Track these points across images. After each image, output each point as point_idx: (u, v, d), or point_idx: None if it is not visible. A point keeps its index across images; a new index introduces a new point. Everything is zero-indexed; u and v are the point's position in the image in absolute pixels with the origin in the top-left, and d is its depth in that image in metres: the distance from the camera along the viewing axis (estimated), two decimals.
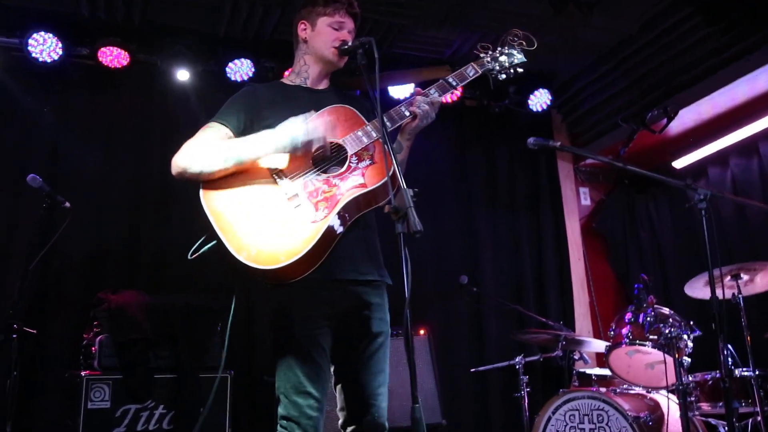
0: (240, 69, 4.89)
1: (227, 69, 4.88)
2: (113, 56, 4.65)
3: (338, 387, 2.40)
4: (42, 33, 4.48)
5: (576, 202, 6.29)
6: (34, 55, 4.49)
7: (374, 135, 2.38)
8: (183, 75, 4.84)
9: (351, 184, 2.31)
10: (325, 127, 2.31)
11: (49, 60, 4.52)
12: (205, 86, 4.90)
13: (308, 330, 2.27)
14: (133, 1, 4.50)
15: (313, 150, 2.31)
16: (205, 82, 4.92)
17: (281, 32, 4.80)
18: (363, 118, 2.46)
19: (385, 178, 2.26)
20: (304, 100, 2.44)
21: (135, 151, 4.83)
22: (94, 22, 4.65)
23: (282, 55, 4.78)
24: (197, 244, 2.24)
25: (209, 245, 2.22)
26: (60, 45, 4.52)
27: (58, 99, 4.73)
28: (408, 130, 2.49)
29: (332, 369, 2.39)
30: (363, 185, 2.31)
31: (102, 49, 4.63)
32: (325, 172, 2.34)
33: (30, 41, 4.46)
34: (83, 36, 4.67)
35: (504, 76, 2.67)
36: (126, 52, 4.68)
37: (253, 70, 4.89)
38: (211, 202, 2.25)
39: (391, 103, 2.53)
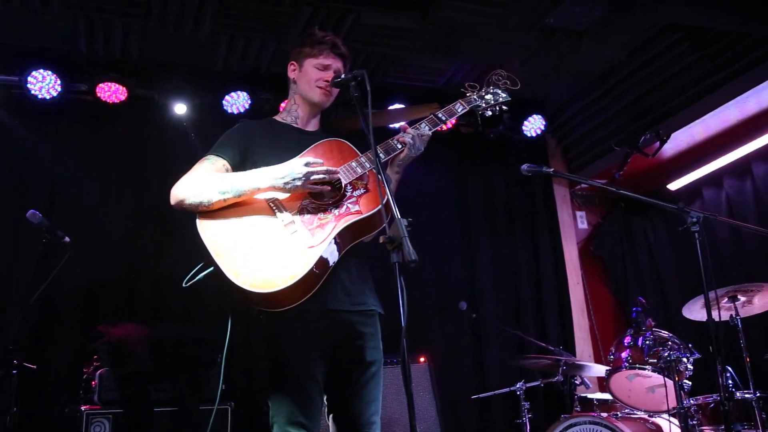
0: (236, 101, 4.95)
1: (224, 102, 4.95)
2: (111, 92, 4.72)
3: (331, 416, 2.41)
4: (41, 70, 4.55)
5: (573, 226, 6.31)
6: (33, 92, 4.55)
7: (368, 165, 2.44)
8: (180, 108, 4.90)
9: (346, 211, 2.36)
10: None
11: (48, 97, 4.58)
12: (203, 119, 4.96)
13: (301, 361, 2.29)
14: (130, 37, 4.57)
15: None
16: (202, 115, 4.97)
17: (277, 65, 4.86)
18: (356, 150, 2.52)
19: (380, 205, 2.30)
20: (293, 140, 2.51)
21: (133, 184, 4.86)
22: (92, 58, 4.72)
23: (278, 87, 4.84)
24: (193, 271, 2.27)
25: (205, 272, 2.25)
26: (59, 82, 4.59)
27: (57, 135, 4.79)
28: (397, 162, 2.55)
29: (325, 398, 2.40)
30: (358, 212, 2.36)
31: (100, 84, 4.70)
32: (320, 200, 2.39)
33: (29, 78, 4.53)
34: (81, 72, 4.75)
35: (489, 113, 2.77)
36: (124, 88, 4.75)
37: (249, 102, 4.95)
38: (207, 229, 2.30)
39: (389, 133, 2.60)
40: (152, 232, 4.78)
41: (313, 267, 2.22)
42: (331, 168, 2.38)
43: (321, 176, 2.35)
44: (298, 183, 2.33)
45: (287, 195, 2.38)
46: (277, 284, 2.18)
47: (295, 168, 2.34)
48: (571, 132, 6.03)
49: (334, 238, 2.30)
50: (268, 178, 2.34)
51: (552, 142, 6.24)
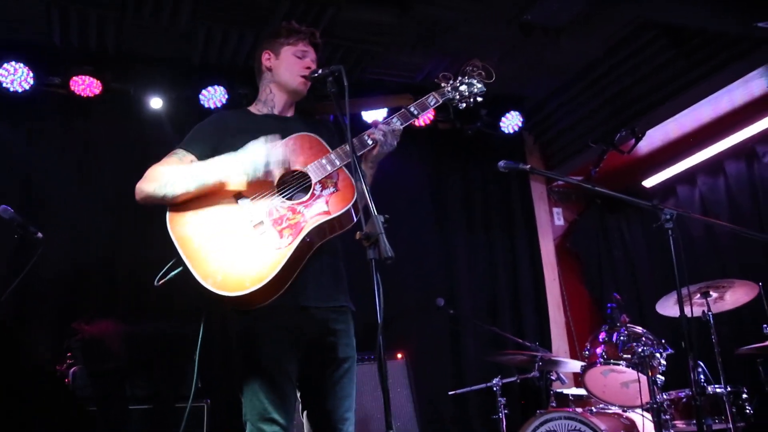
0: (213, 96, 4.91)
1: (201, 96, 4.90)
2: (85, 85, 4.65)
3: (305, 413, 2.41)
4: (13, 63, 4.47)
5: (550, 223, 6.36)
6: (5, 85, 4.48)
7: (338, 163, 2.41)
8: (156, 103, 4.84)
9: (315, 212, 2.33)
10: (285, 153, 2.33)
11: (20, 90, 4.51)
12: (179, 113, 4.89)
13: (273, 357, 2.28)
14: (106, 29, 4.51)
15: (275, 175, 2.33)
16: (179, 109, 4.91)
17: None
18: (327, 146, 2.48)
19: (348, 206, 2.32)
20: (272, 128, 2.46)
21: (109, 179, 4.79)
22: (67, 51, 4.64)
23: (256, 82, 4.80)
24: (164, 269, 2.25)
25: (176, 271, 2.23)
26: (31, 75, 4.51)
27: (30, 129, 4.71)
28: (370, 158, 2.53)
29: (299, 395, 2.40)
30: (327, 212, 2.34)
31: (74, 78, 4.63)
32: (289, 199, 2.37)
33: (1, 71, 4.45)
34: (55, 65, 4.67)
35: (464, 105, 2.71)
36: (98, 81, 4.67)
37: (226, 96, 4.91)
38: (177, 227, 2.28)
39: (364, 127, 2.58)
40: (128, 228, 4.72)
41: (281, 268, 2.21)
42: (293, 146, 2.37)
43: (282, 156, 2.31)
44: (260, 167, 2.29)
45: (256, 194, 2.35)
46: (246, 286, 2.17)
47: (256, 152, 2.30)
48: (548, 129, 6.07)
49: (303, 239, 2.28)
50: (231, 167, 2.30)
51: (529, 138, 6.28)
